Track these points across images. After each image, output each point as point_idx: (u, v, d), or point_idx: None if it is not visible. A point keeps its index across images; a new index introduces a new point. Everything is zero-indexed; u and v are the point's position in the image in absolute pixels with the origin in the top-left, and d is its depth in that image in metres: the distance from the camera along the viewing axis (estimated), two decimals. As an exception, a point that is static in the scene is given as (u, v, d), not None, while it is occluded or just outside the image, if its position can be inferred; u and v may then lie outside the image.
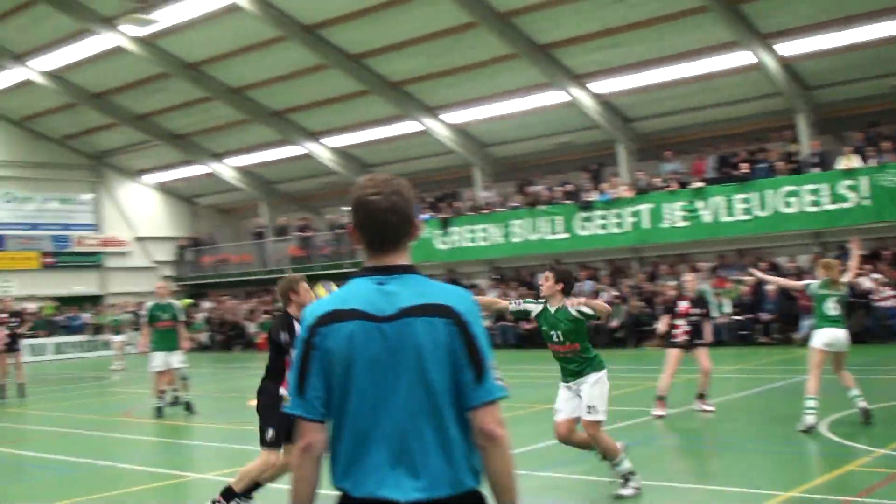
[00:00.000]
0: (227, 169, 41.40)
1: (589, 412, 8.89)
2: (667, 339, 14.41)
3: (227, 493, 8.56)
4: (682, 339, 14.04)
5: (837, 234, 25.87)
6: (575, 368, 9.07)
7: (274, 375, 8.63)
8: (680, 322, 14.06)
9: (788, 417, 12.69)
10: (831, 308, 12.21)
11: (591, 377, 8.98)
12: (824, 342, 12.08)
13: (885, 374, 17.77)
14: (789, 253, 26.90)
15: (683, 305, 14.15)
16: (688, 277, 15.09)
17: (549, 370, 10.47)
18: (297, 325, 8.37)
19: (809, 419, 11.63)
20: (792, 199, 25.54)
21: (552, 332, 9.02)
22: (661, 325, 14.60)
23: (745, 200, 26.31)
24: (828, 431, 11.60)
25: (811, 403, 11.71)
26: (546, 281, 9.16)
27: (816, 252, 26.28)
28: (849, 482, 9.24)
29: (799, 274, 25.18)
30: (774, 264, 26.49)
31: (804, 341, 23.39)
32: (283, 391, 8.47)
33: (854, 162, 24.96)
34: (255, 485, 8.62)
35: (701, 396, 14.12)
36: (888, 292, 23.01)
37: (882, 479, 9.11)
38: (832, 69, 27.16)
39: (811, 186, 25.32)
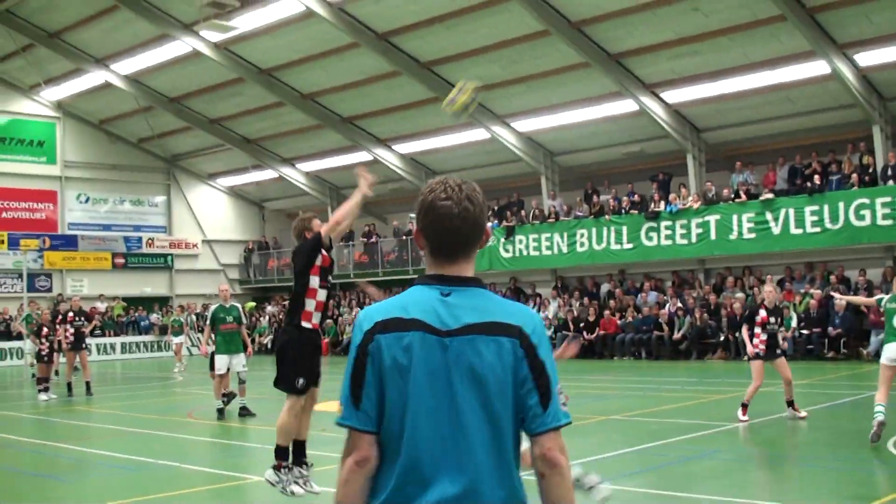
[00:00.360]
0: (296, 173, 41.94)
1: None
2: (744, 350, 14.53)
3: (279, 451, 9.02)
4: (762, 349, 14.10)
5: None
6: None
7: (295, 313, 8.97)
8: (759, 332, 14.14)
9: (856, 433, 12.48)
10: None
11: None
12: (891, 357, 11.88)
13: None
14: (860, 266, 26.38)
15: (762, 315, 14.19)
16: (767, 288, 15.00)
17: (608, 380, 10.43)
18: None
19: (879, 417, 11.51)
20: (864, 212, 25.09)
21: None
22: (745, 337, 14.51)
23: (816, 212, 25.91)
24: (895, 449, 11.40)
25: (880, 408, 11.62)
26: None
27: (888, 266, 25.82)
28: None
29: (869, 288, 24.81)
30: (844, 277, 26.05)
31: (874, 356, 23.16)
32: (305, 324, 8.96)
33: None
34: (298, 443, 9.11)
35: (790, 404, 14.28)
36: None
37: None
38: (909, 80, 26.71)
39: (885, 199, 24.84)
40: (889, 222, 24.71)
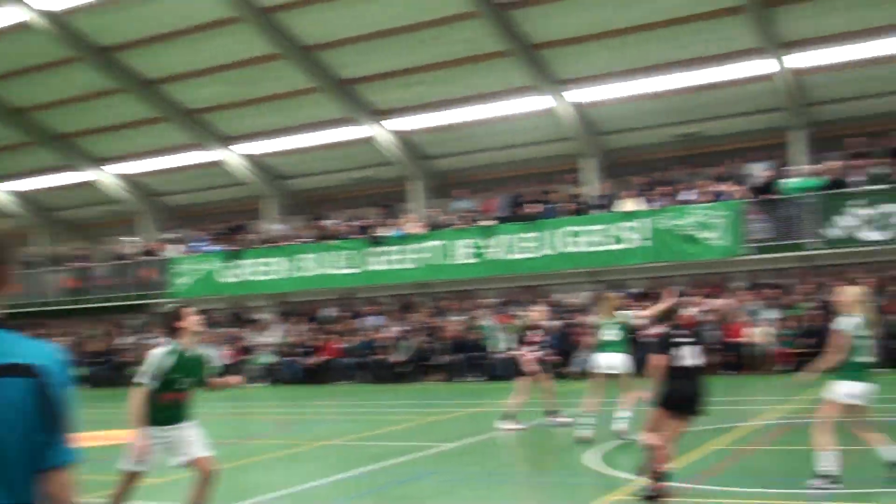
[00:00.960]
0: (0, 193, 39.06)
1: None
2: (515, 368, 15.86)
3: None
4: (534, 365, 15.45)
5: (616, 273, 26.97)
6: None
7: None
8: (529, 350, 15.57)
9: (560, 448, 13.01)
10: (609, 335, 13.71)
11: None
12: (603, 365, 13.56)
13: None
14: (571, 290, 27.73)
15: (534, 334, 15.70)
16: (537, 309, 17.00)
17: (328, 405, 10.19)
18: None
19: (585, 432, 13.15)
20: (575, 239, 26.42)
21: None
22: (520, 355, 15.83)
23: (532, 239, 27.00)
24: (599, 462, 11.86)
25: (587, 420, 13.28)
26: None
27: (594, 290, 27.28)
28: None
29: (582, 310, 26.06)
30: (557, 301, 27.23)
31: (579, 375, 24.29)
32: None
33: (633, 206, 26.09)
34: None
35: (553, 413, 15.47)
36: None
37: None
38: (621, 116, 28.50)
39: (594, 227, 26.28)
40: (597, 248, 26.13)
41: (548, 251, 26.71)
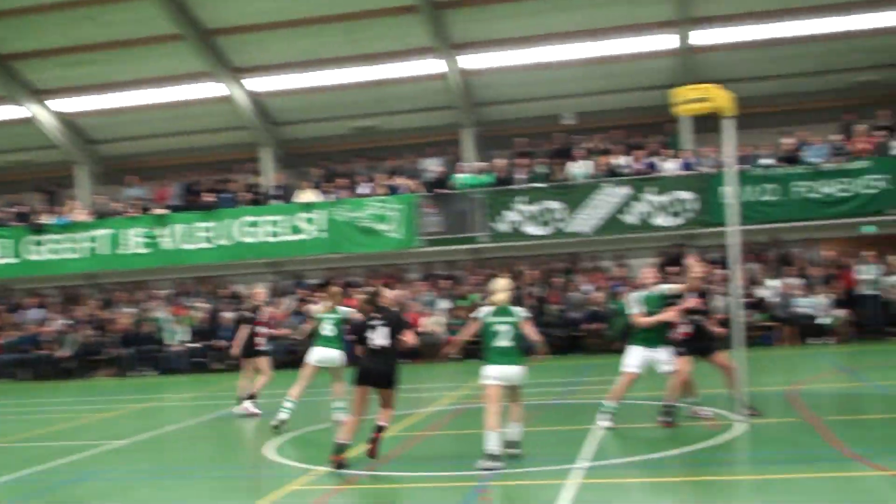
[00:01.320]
0: None
1: None
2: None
3: None
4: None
5: (295, 263, 27.00)
6: None
7: None
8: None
9: (242, 442, 12.92)
10: (328, 329, 13.85)
11: None
12: (316, 358, 13.84)
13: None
14: (248, 281, 27.37)
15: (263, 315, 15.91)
16: (258, 290, 16.86)
17: None
18: None
19: (283, 415, 13.48)
20: (252, 230, 26.14)
21: None
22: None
23: (208, 229, 26.40)
24: (275, 453, 11.81)
25: (288, 405, 13.63)
26: None
27: (273, 280, 27.17)
28: (293, 500, 9.41)
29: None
30: (235, 293, 26.82)
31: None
32: None
33: (312, 196, 26.20)
34: None
35: (251, 397, 15.57)
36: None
37: (322, 495, 9.42)
38: (299, 107, 28.50)
39: (271, 218, 26.13)
40: (274, 239, 26.01)
41: (224, 241, 26.24)
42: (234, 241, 26.21)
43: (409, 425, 13.47)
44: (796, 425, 11.79)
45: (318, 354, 13.92)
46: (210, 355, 25.05)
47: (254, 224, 26.13)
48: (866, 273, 21.94)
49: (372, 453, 10.60)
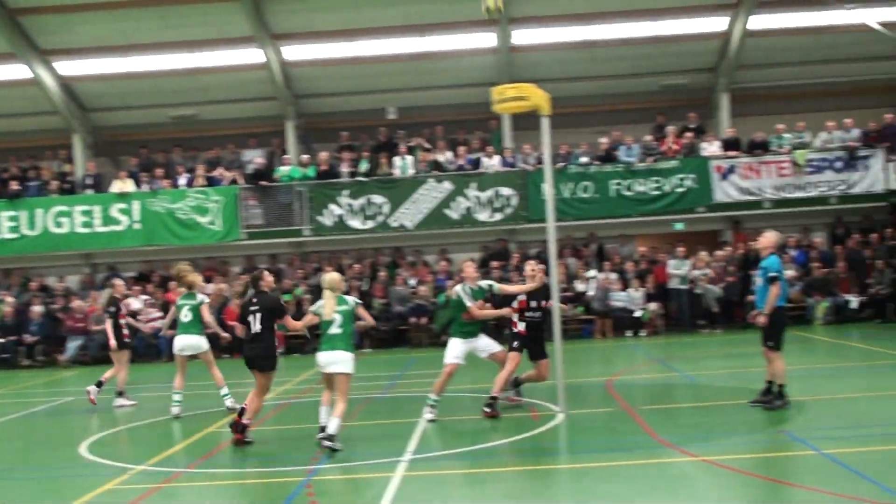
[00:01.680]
0: None
1: None
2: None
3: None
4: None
5: (109, 255, 26.06)
6: None
7: None
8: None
9: (53, 440, 12.56)
10: (186, 316, 13.97)
11: None
12: (179, 346, 13.95)
13: (154, 392, 18.04)
14: (60, 273, 26.22)
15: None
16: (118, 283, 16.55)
17: None
18: None
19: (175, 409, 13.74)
20: (63, 220, 25.06)
21: None
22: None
23: (14, 218, 25.12)
24: (88, 452, 11.36)
25: (177, 397, 13.85)
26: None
27: (86, 273, 26.13)
28: (109, 499, 9.09)
29: (67, 295, 24.80)
30: (45, 285, 25.66)
31: (71, 363, 23.17)
32: None
33: (128, 186, 25.33)
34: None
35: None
36: (155, 313, 23.58)
37: (140, 494, 9.13)
38: (111, 93, 27.41)
39: (83, 207, 25.11)
40: (86, 230, 25.01)
41: (33, 231, 25.05)
42: (43, 231, 25.07)
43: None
44: (613, 415, 12.23)
45: (180, 342, 13.96)
46: (19, 351, 23.90)
47: (65, 214, 25.06)
48: (676, 268, 22.99)
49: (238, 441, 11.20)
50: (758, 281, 12.06)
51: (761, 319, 11.79)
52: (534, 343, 12.64)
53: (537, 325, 12.62)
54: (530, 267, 12.86)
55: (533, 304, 12.51)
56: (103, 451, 11.37)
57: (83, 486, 9.56)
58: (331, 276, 11.07)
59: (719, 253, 24.13)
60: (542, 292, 12.56)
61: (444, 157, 25.34)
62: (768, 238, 12.09)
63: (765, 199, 24.50)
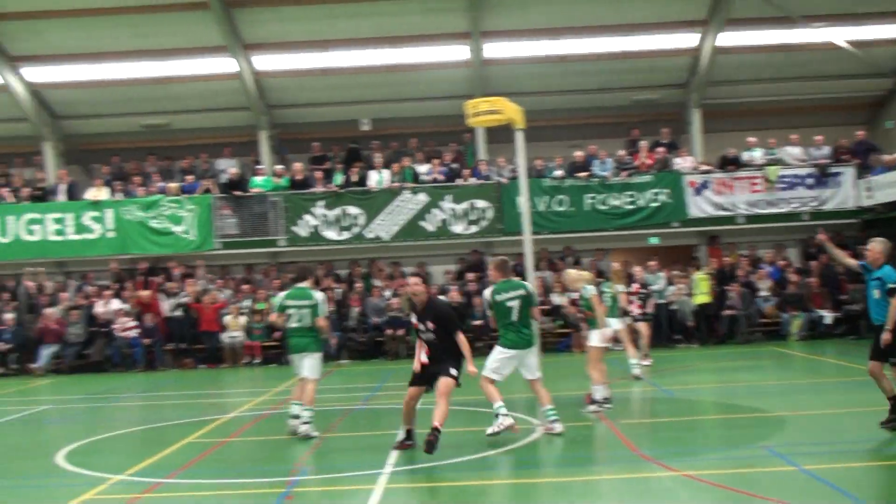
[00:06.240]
0: None
1: None
2: None
3: None
4: None
5: (83, 263, 25.83)
6: None
7: None
8: None
9: (29, 449, 12.48)
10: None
11: None
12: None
13: (124, 402, 17.93)
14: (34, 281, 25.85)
15: None
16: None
17: None
18: None
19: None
20: (35, 227, 24.86)
21: None
22: None
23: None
24: (65, 462, 11.27)
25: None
26: None
27: (59, 281, 25.88)
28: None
29: (43, 295, 24.54)
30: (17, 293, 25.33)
31: (43, 372, 22.93)
32: None
33: (102, 194, 25.16)
34: None
35: None
36: (130, 322, 23.44)
37: (120, 505, 9.10)
38: (83, 101, 27.24)
39: (56, 215, 24.92)
40: (60, 238, 24.83)
41: (4, 238, 24.83)
42: (14, 239, 24.85)
43: (209, 431, 13.17)
44: (592, 428, 12.29)
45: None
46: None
47: (37, 221, 24.87)
48: (653, 283, 23.06)
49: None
50: (875, 294, 11.00)
51: (887, 337, 10.67)
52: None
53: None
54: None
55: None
56: (81, 461, 11.26)
57: (60, 496, 9.47)
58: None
59: (706, 268, 24.39)
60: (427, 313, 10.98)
61: (420, 168, 25.38)
62: (877, 247, 11.04)
63: (738, 215, 24.75)
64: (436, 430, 10.26)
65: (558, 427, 11.48)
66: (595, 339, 13.29)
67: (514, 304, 11.32)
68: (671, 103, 27.80)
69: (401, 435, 11.03)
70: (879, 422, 10.98)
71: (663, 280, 23.44)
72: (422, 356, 10.87)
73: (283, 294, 12.67)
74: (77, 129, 28.25)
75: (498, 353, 11.42)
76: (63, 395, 19.03)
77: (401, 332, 23.10)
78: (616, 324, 15.63)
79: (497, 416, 10.98)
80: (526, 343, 11.45)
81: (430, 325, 10.73)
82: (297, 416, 12.05)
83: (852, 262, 11.94)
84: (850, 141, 25.46)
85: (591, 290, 13.39)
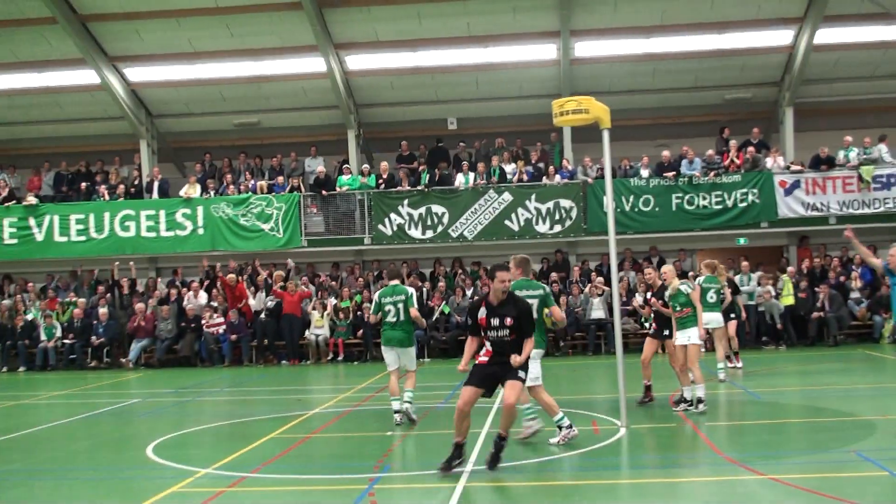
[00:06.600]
0: None
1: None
2: None
3: None
4: None
5: (174, 260, 26.42)
6: None
7: None
8: None
9: (119, 441, 12.69)
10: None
11: None
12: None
13: (211, 397, 18.29)
14: (131, 276, 26.49)
15: None
16: None
17: None
18: None
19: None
20: (129, 223, 25.50)
21: None
22: None
23: (82, 220, 25.66)
24: (153, 454, 11.52)
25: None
26: None
27: (151, 277, 26.48)
28: (174, 501, 9.16)
29: (132, 293, 25.13)
30: (112, 285, 25.98)
31: (134, 365, 23.51)
32: None
33: (194, 192, 25.71)
34: None
35: None
36: (218, 318, 23.91)
37: (206, 497, 9.21)
38: (177, 100, 27.89)
39: (149, 212, 25.54)
40: (152, 234, 25.44)
41: (100, 234, 25.53)
42: (109, 234, 25.53)
43: (294, 426, 13.35)
44: (675, 430, 12.13)
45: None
46: (83, 352, 24.35)
47: (131, 218, 25.50)
48: (743, 285, 22.61)
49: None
50: None
51: None
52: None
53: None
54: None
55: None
56: (169, 454, 11.49)
57: (148, 489, 9.67)
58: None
59: (790, 269, 23.87)
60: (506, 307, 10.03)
61: (506, 167, 25.35)
62: None
63: (830, 215, 24.17)
64: (502, 438, 9.79)
65: (537, 425, 11.39)
66: (695, 337, 13.10)
67: (534, 302, 10.99)
68: (763, 102, 27.28)
69: (451, 454, 9.78)
70: None
71: (754, 281, 23.00)
72: (481, 354, 10.00)
73: (377, 293, 13.05)
74: (171, 128, 28.92)
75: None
76: (152, 389, 19.51)
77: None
78: (718, 320, 15.48)
79: (559, 427, 10.99)
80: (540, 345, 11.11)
81: (509, 321, 9.72)
82: (400, 410, 12.68)
83: (876, 262, 11.80)
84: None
85: (689, 286, 13.23)
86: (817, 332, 22.97)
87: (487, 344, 9.88)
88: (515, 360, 9.60)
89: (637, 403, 13.45)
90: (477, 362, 9.91)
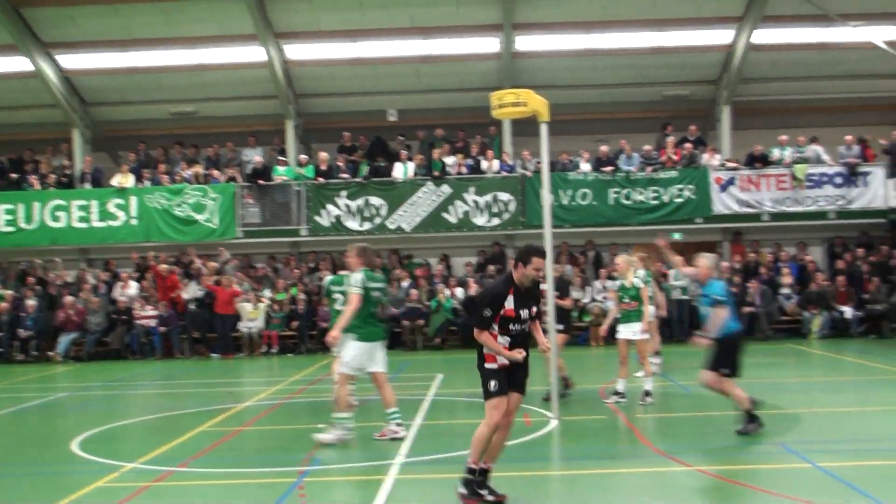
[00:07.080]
0: None
1: None
2: None
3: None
4: None
5: (105, 251, 25.98)
6: None
7: None
8: None
9: (45, 436, 12.52)
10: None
11: None
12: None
13: (141, 390, 18.01)
14: (57, 267, 26.03)
15: None
16: None
17: None
18: None
19: None
20: (60, 213, 25.02)
21: None
22: None
23: (10, 211, 25.10)
24: (79, 449, 11.29)
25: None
26: None
27: (82, 268, 26.01)
28: (100, 497, 9.01)
29: (65, 285, 24.69)
30: (42, 279, 25.51)
31: (62, 358, 23.07)
32: None
33: (128, 181, 25.29)
34: None
35: None
36: (149, 309, 23.57)
37: (132, 492, 9.05)
38: (112, 88, 27.39)
39: (80, 202, 25.07)
40: (84, 225, 24.98)
41: (30, 225, 25.00)
42: (39, 225, 25.03)
43: (225, 420, 13.19)
44: (606, 422, 12.20)
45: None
46: (13, 346, 23.83)
47: (62, 208, 25.02)
48: (675, 279, 22.83)
49: None
50: None
51: None
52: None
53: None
54: None
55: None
56: (96, 449, 11.28)
57: (74, 484, 9.47)
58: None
59: (724, 264, 24.11)
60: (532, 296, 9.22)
61: (445, 160, 25.31)
62: None
63: (763, 212, 24.52)
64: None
65: (403, 431, 11.25)
66: (639, 331, 13.20)
67: (378, 294, 11.16)
68: (701, 99, 27.58)
69: (477, 480, 8.36)
70: None
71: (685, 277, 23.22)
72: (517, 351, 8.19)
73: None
74: (105, 116, 28.41)
75: (356, 349, 11.14)
76: (81, 383, 19.15)
77: (420, 322, 23.07)
78: (653, 314, 15.60)
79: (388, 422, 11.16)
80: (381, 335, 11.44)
81: (534, 310, 8.34)
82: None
83: (689, 271, 12.26)
84: (888, 140, 25.04)
85: (641, 279, 13.36)
86: (748, 327, 23.23)
87: (504, 339, 8.17)
88: (547, 345, 8.81)
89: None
90: (498, 365, 8.18)
